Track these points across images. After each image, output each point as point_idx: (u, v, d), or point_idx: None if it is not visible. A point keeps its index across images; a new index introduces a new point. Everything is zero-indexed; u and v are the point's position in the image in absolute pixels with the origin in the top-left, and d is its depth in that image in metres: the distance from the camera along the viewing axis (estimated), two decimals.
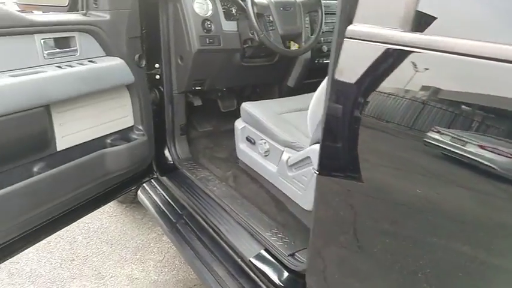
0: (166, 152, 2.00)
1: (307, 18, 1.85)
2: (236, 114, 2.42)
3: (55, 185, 1.30)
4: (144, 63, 1.61)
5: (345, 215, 0.89)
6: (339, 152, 0.86)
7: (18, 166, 1.23)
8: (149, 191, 2.03)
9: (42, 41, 1.27)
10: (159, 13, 1.70)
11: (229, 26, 1.78)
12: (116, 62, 1.44)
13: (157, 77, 1.85)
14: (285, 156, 1.42)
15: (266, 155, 1.55)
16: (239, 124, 1.72)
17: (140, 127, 1.66)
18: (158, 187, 2.01)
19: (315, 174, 1.27)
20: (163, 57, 1.78)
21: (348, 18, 0.77)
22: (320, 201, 0.96)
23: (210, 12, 1.72)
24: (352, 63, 0.78)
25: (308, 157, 1.29)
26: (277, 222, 1.43)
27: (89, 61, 1.38)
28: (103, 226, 2.32)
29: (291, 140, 1.41)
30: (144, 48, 1.63)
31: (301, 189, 1.35)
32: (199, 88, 1.93)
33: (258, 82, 2.22)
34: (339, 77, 0.79)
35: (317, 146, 1.26)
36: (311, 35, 1.84)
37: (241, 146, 1.71)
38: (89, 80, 1.32)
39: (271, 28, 1.71)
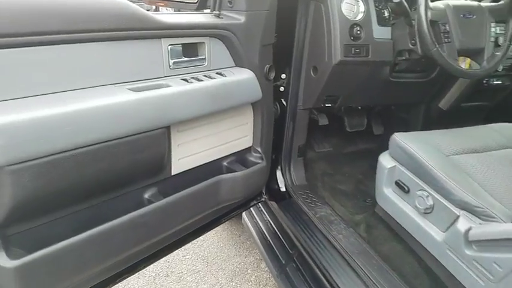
0: (279, 175, 1.72)
1: (493, 29, 1.36)
2: (361, 134, 2.05)
3: (166, 216, 1.11)
4: (273, 75, 1.34)
5: None
6: None
7: (129, 192, 1.06)
8: (255, 215, 1.81)
9: (169, 47, 1.06)
10: (296, 15, 1.41)
11: (381, 33, 1.39)
12: (247, 75, 1.17)
13: (282, 89, 1.58)
14: (462, 225, 1.01)
15: (427, 213, 1.14)
16: (386, 162, 1.33)
17: (259, 149, 1.40)
18: (265, 212, 1.77)
19: None
20: (293, 67, 1.49)
21: None
22: None
23: (360, 15, 1.35)
24: None
25: (509, 239, 0.87)
26: None
27: (217, 73, 1.14)
28: (199, 239, 2.16)
29: (473, 203, 0.99)
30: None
31: (487, 280, 0.93)
32: (329, 105, 1.59)
33: (404, 101, 1.79)
34: None
35: None
36: (495, 52, 1.35)
37: (386, 191, 1.32)
38: (217, 97, 1.08)
39: (445, 40, 1.27)
